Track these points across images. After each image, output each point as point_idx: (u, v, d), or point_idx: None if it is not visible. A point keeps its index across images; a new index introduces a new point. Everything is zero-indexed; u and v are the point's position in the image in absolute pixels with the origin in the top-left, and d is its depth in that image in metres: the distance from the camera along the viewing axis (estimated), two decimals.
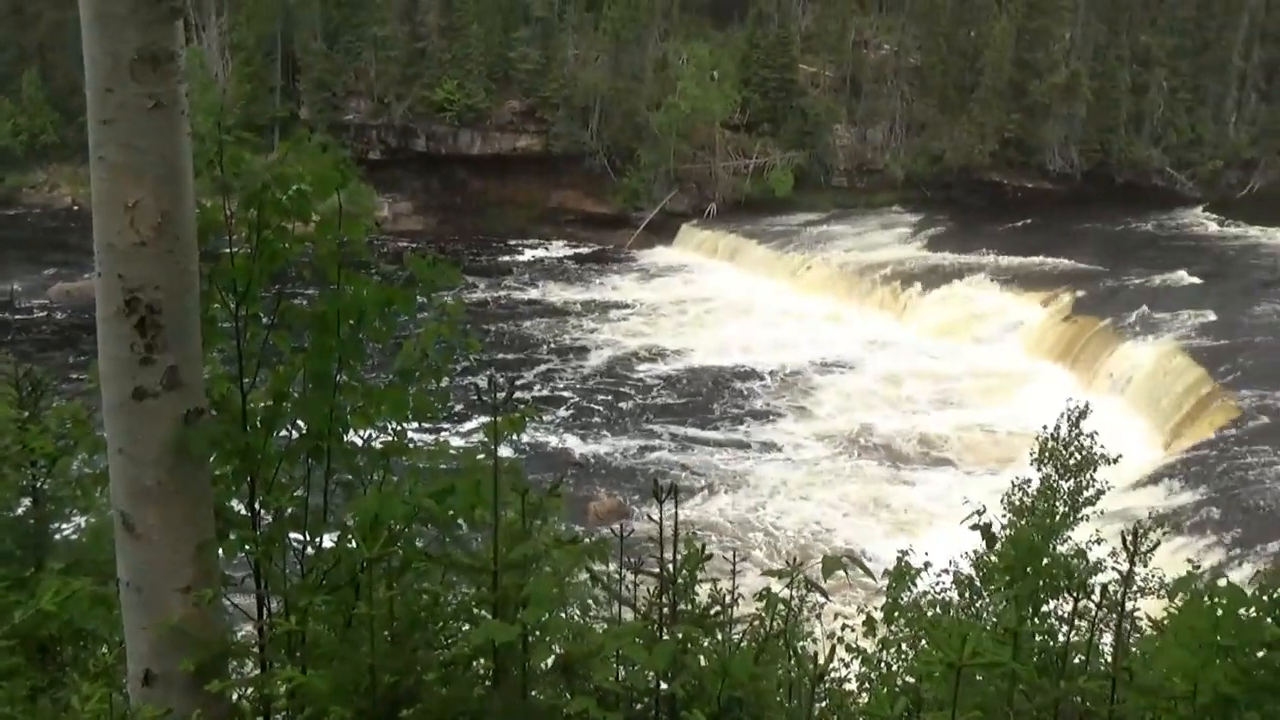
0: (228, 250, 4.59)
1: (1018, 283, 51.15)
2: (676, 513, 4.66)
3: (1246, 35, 72.38)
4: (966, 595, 9.12)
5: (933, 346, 47.56)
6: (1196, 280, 50.24)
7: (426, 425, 5.20)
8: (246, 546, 4.70)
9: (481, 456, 4.76)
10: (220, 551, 4.58)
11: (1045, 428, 14.12)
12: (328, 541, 4.91)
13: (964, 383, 43.59)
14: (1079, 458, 13.68)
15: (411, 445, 5.06)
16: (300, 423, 4.90)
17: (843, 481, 35.37)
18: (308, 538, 4.90)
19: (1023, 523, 10.48)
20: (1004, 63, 68.21)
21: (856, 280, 54.38)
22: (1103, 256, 55.23)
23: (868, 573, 4.90)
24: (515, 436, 4.95)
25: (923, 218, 65.39)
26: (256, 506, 4.79)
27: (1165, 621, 5.76)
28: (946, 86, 69.95)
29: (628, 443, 38.65)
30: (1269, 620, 4.32)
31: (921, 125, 70.88)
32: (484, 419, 4.52)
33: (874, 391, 43.10)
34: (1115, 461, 14.19)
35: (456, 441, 5.24)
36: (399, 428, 5.06)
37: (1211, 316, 44.28)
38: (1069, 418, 13.93)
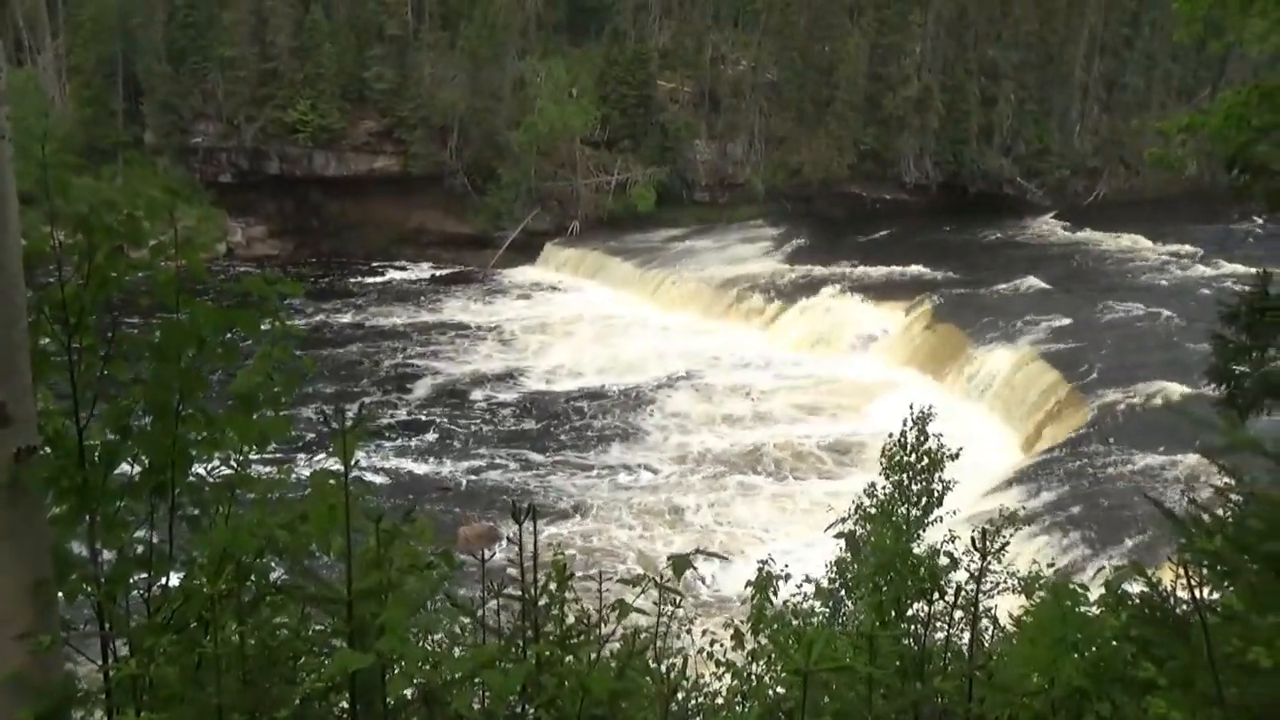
0: (57, 279, 4.43)
1: (879, 293, 52.42)
2: (536, 534, 4.65)
3: (1087, 49, 75.47)
4: (829, 604, 9.28)
5: (797, 359, 48.43)
6: (1048, 286, 52.11)
7: (272, 454, 5.10)
8: (88, 588, 4.54)
9: (333, 482, 4.68)
10: (60, 595, 4.42)
11: (891, 435, 14.44)
12: (175, 580, 4.76)
13: (829, 394, 44.46)
14: (926, 460, 14.03)
15: (258, 476, 4.95)
16: (143, 457, 4.75)
17: (709, 496, 35.68)
18: (153, 576, 4.75)
19: (876, 529, 10.70)
20: (858, 77, 69.92)
21: (720, 295, 55.09)
22: (960, 265, 56.96)
23: (721, 558, 4.95)
24: (378, 463, 4.88)
25: (784, 230, 66.55)
26: (97, 546, 4.63)
27: (1022, 619, 5.95)
28: (803, 101, 71.37)
29: (497, 465, 38.43)
30: (1114, 616, 4.50)
31: (780, 139, 72.17)
32: (333, 446, 4.44)
33: (739, 406, 43.66)
34: (956, 457, 14.57)
35: (305, 471, 5.15)
36: (244, 458, 4.94)
37: (1064, 321, 45.90)
38: (914, 421, 14.28)
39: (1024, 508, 27.28)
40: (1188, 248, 58.92)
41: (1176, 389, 35.95)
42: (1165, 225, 64.57)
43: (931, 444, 14.35)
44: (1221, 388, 8.58)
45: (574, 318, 55.64)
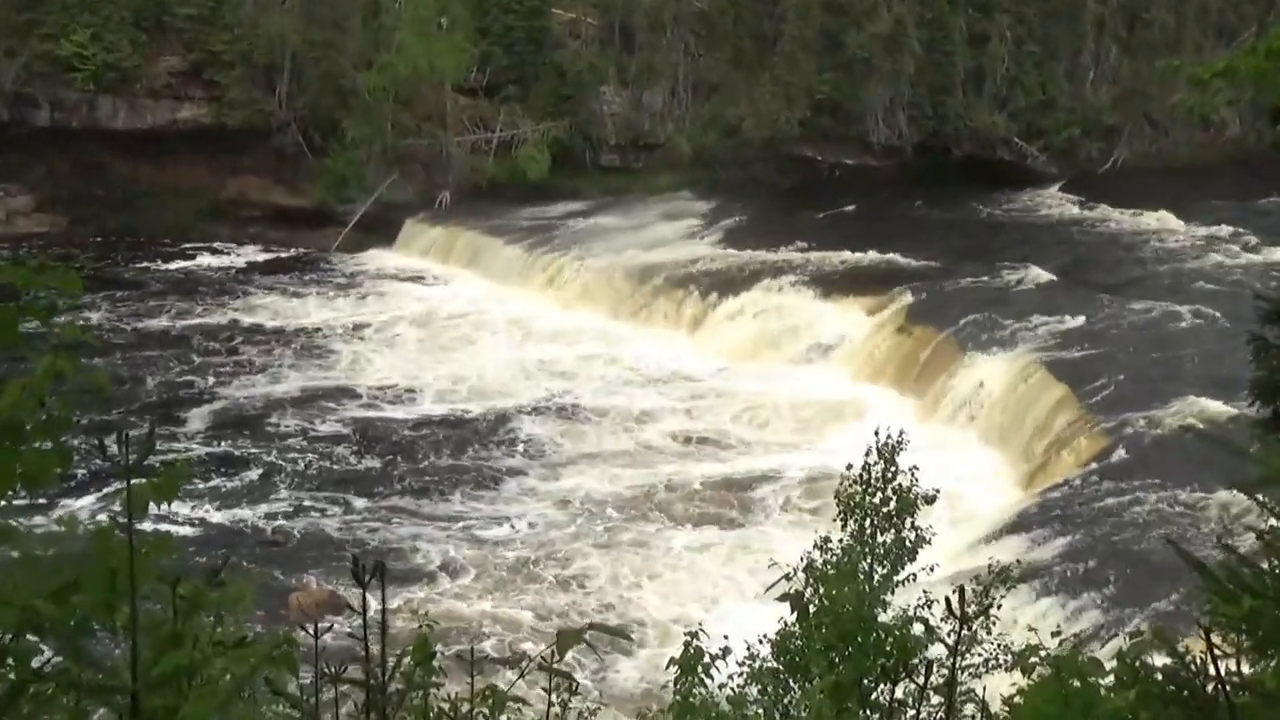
0: None
1: (838, 286, 53.04)
2: (386, 600, 4.63)
3: None
4: (772, 688, 9.34)
5: (732, 372, 48.85)
6: (1054, 277, 53.10)
7: (41, 498, 5.03)
8: None
9: (119, 535, 4.62)
10: None
11: (850, 468, 14.57)
12: None
13: (773, 418, 44.85)
14: (895, 501, 14.19)
15: (19, 527, 4.86)
16: None
17: (612, 551, 35.75)
18: None
19: (832, 591, 10.81)
20: (812, 8, 70.58)
21: (633, 289, 55.43)
22: (941, 250, 57.80)
23: (623, 636, 4.99)
24: (181, 510, 4.83)
25: (717, 205, 67.03)
26: None
27: (1015, 702, 6.05)
28: (741, 37, 71.88)
29: (338, 512, 38.15)
30: (1124, 694, 4.60)
31: (712, 87, 72.54)
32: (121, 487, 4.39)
33: (655, 434, 43.89)
34: (933, 499, 14.78)
35: (83, 517, 5.08)
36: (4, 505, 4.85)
37: (1074, 322, 46.76)
38: (880, 450, 14.43)
39: (1021, 562, 27.72)
40: (1228, 228, 60.38)
41: (1215, 408, 36.76)
42: (1201, 199, 66.03)
43: (903, 480, 14.53)
44: (1265, 406, 8.78)
45: (442, 318, 55.52)
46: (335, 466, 41.54)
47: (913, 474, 14.53)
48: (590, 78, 71.06)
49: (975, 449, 40.65)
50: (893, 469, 14.38)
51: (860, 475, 14.45)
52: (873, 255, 57.25)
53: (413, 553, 35.53)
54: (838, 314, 50.89)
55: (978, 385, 43.34)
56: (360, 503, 38.84)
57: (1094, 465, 35.88)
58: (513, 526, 37.39)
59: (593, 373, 49.33)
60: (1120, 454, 36.08)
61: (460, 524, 37.63)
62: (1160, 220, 63.28)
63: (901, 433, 14.94)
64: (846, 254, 57.44)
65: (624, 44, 72.89)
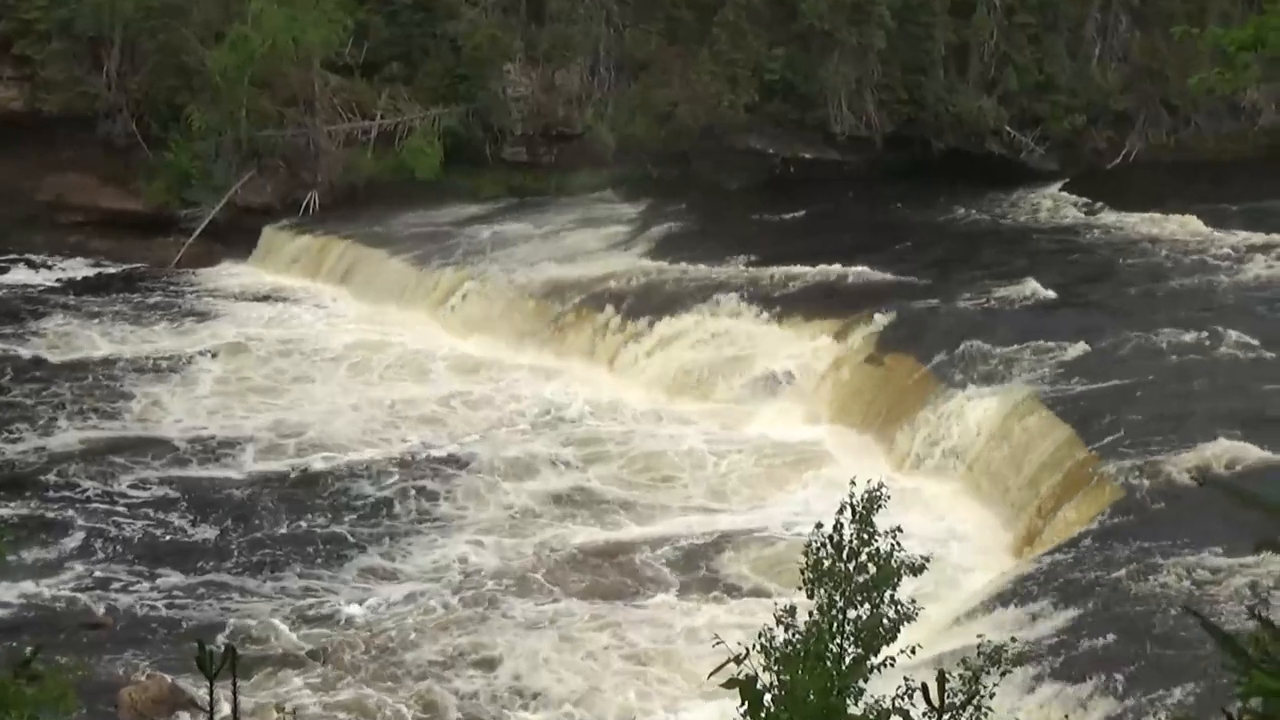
0: None
1: (794, 307, 53.30)
2: (238, 694, 4.62)
3: None
4: None
5: (662, 412, 48.93)
6: (1055, 294, 53.39)
7: None
8: None
9: None
10: None
11: (818, 529, 14.61)
12: None
13: (712, 469, 44.87)
14: (873, 569, 14.25)
15: None
16: None
17: (510, 631, 35.68)
18: None
19: (794, 676, 10.82)
20: None
21: (544, 311, 55.52)
22: (919, 263, 58.20)
23: None
24: None
25: (647, 208, 67.20)
26: None
27: None
28: (676, 5, 72.00)
29: (178, 586, 37.87)
30: None
31: (640, 65, 72.64)
32: None
33: (568, 489, 43.85)
34: (921, 569, 14.85)
35: None
36: None
37: (1079, 349, 47.01)
38: (854, 507, 14.49)
39: (1016, 640, 27.85)
40: (1263, 235, 60.79)
41: (1248, 453, 37.16)
42: (1230, 200, 66.74)
43: (881, 544, 14.58)
44: None
45: (311, 346, 55.23)
46: (156, 534, 41.08)
47: (894, 537, 14.58)
48: (491, 53, 70.89)
49: (961, 504, 40.90)
50: (869, 530, 14.42)
51: (831, 537, 14.48)
52: (836, 269, 57.36)
53: (272, 633, 35.32)
54: (793, 341, 51.09)
55: (963, 427, 43.60)
56: (189, 578, 38.50)
57: (1103, 522, 36.11)
58: (374, 604, 37.24)
59: (487, 416, 49.03)
60: (1134, 509, 36.34)
61: (334, 595, 37.49)
62: (1182, 225, 63.54)
63: (881, 486, 14.99)
64: (804, 268, 57.46)
65: (532, 12, 72.95)
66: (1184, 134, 77.95)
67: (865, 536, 14.37)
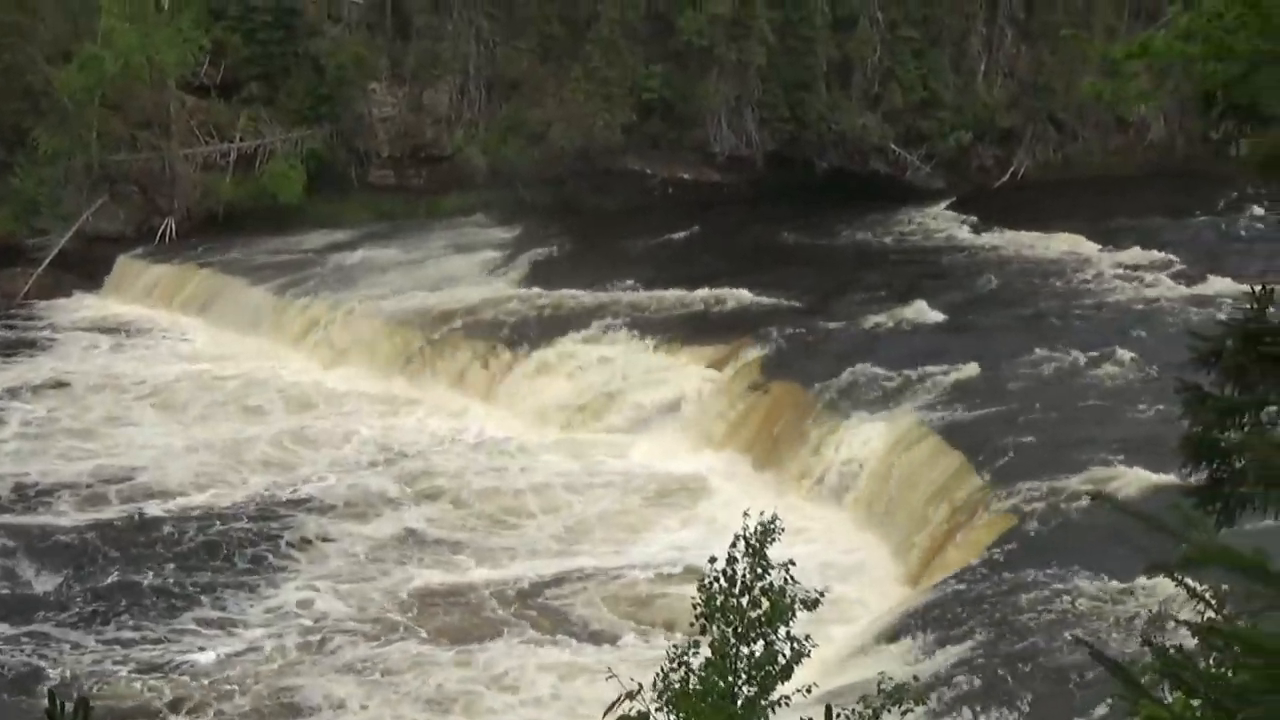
0: None
1: (675, 334, 53.55)
2: None
3: None
4: None
5: (537, 444, 48.81)
6: (943, 317, 54.05)
7: None
8: None
9: None
10: None
11: (712, 563, 14.63)
12: None
13: (592, 503, 44.82)
14: (767, 604, 14.29)
15: None
16: None
17: (341, 678, 35.50)
18: None
19: (687, 714, 10.81)
20: None
21: (413, 340, 55.34)
22: (803, 286, 58.61)
23: None
24: None
25: (521, 233, 67.22)
26: None
27: None
28: (548, 21, 72.13)
29: (22, 639, 37.37)
30: None
31: (512, 84, 72.78)
32: None
33: (431, 530, 43.46)
34: (815, 605, 14.91)
35: None
36: None
37: (969, 372, 47.50)
38: (748, 540, 14.53)
39: (915, 675, 27.96)
40: (1153, 253, 61.97)
41: (1140, 476, 37.62)
42: (1119, 218, 67.86)
43: (776, 578, 14.62)
44: (1199, 470, 8.94)
45: (163, 380, 54.63)
46: (26, 581, 40.41)
47: (788, 571, 14.62)
48: (355, 73, 70.90)
49: (850, 533, 41.14)
50: (763, 564, 14.46)
51: (723, 571, 14.51)
52: (718, 294, 57.75)
53: (104, 690, 34.77)
54: (675, 369, 51.25)
55: (852, 455, 43.87)
56: (57, 625, 37.91)
57: (995, 550, 36.39)
58: (215, 654, 36.78)
59: (345, 453, 48.53)
60: (1026, 536, 36.66)
61: (150, 652, 36.85)
62: (1070, 244, 64.63)
63: (775, 519, 15.03)
64: (685, 293, 57.85)
65: (398, 29, 72.98)
66: (1071, 150, 79.09)
67: (759, 570, 14.42)
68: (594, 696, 31.55)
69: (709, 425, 48.43)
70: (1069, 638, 30.75)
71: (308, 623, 38.30)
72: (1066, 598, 33.06)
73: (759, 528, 14.58)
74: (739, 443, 47.28)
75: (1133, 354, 47.97)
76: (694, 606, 14.61)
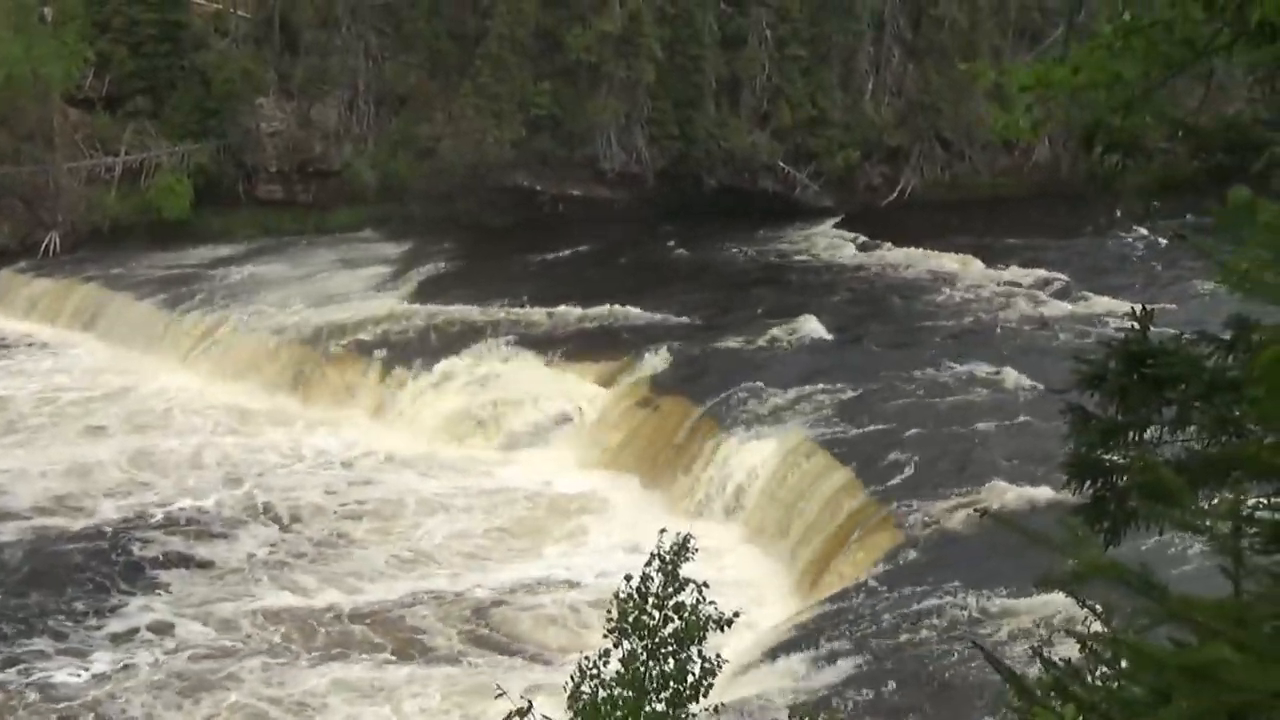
0: None
1: (564, 350, 53.72)
2: None
3: None
4: None
5: (424, 461, 48.75)
6: (831, 335, 54.43)
7: None
8: None
9: None
10: None
11: (628, 580, 14.75)
12: None
13: (483, 519, 44.76)
14: (678, 622, 14.41)
15: None
16: None
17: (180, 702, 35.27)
18: None
19: None
20: None
21: (300, 356, 55.15)
22: (693, 302, 58.95)
23: None
24: None
25: (410, 249, 67.13)
26: None
27: None
28: (438, 36, 72.03)
29: None
30: None
31: (401, 99, 72.58)
32: None
33: (312, 548, 43.15)
34: (728, 625, 15.06)
35: None
36: None
37: (858, 389, 47.87)
38: (661, 557, 14.66)
39: (806, 689, 28.30)
40: (1039, 272, 62.72)
41: (1027, 493, 38.14)
42: (1006, 236, 68.65)
43: (686, 597, 14.76)
44: (1084, 488, 9.19)
45: (45, 396, 53.99)
46: None
47: (700, 591, 14.77)
48: (243, 87, 70.44)
49: (740, 549, 41.30)
50: (675, 584, 14.59)
51: (638, 587, 14.65)
52: (607, 310, 57.96)
53: None
54: (564, 385, 51.38)
55: (741, 471, 44.06)
56: None
57: (885, 566, 36.83)
58: (62, 678, 36.32)
59: (226, 471, 47.94)
60: (916, 551, 37.13)
61: (70, 671, 36.50)
62: (962, 263, 65.13)
63: (687, 538, 15.19)
64: (574, 309, 57.99)
65: (286, 43, 72.51)
66: (959, 169, 79.60)
67: (672, 588, 14.56)
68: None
69: (598, 441, 48.54)
70: (959, 651, 31.17)
71: (162, 649, 37.60)
72: (956, 611, 33.53)
73: (676, 543, 14.75)
74: (629, 459, 47.37)
75: (1019, 372, 48.42)
76: (607, 620, 14.73)
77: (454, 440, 49.89)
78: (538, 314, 57.71)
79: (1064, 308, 58.24)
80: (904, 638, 33.05)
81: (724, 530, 42.31)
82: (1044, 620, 31.28)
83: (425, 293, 60.96)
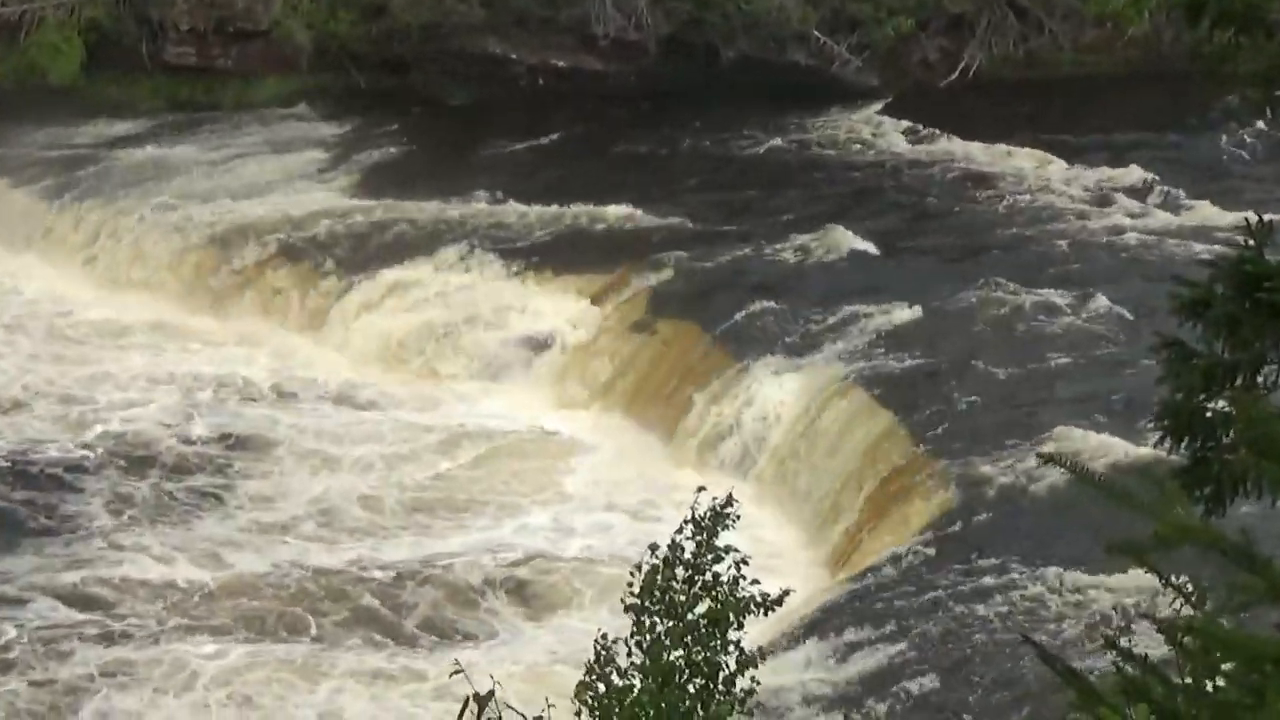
0: None
1: (543, 259, 53.54)
2: None
3: None
4: None
5: (369, 394, 48.78)
6: (872, 246, 54.02)
7: None
8: None
9: None
10: None
11: (654, 550, 14.71)
12: None
13: (431, 469, 44.74)
14: (710, 605, 14.38)
15: None
16: None
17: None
18: None
19: None
20: None
21: (218, 261, 55.13)
22: (704, 204, 58.70)
23: None
24: None
25: (354, 129, 67.03)
26: None
27: None
28: None
29: None
30: None
31: None
32: None
33: (203, 501, 43.25)
34: (773, 608, 15.04)
35: None
36: None
37: (905, 315, 47.48)
38: (697, 521, 14.60)
39: (830, 685, 28.35)
40: (1134, 173, 61.93)
41: (1112, 449, 38.00)
42: (1092, 129, 67.95)
43: (724, 571, 14.73)
44: (1182, 444, 9.05)
45: None
46: None
47: (739, 567, 14.74)
48: None
49: (755, 511, 41.25)
50: (710, 555, 14.56)
51: (666, 558, 14.59)
52: (597, 211, 57.48)
53: None
54: (543, 302, 51.24)
55: (760, 414, 44.08)
56: None
57: (934, 532, 36.69)
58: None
59: (114, 400, 47.97)
60: (971, 516, 36.94)
61: None
62: (1037, 161, 64.11)
63: (730, 498, 15.16)
64: (557, 209, 57.55)
65: None
66: (1036, 44, 78.81)
67: (704, 560, 14.51)
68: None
69: (582, 373, 48.56)
70: (1016, 639, 31.14)
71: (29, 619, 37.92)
72: (1016, 592, 33.43)
73: (712, 508, 14.69)
74: (617, 397, 47.36)
75: (1105, 297, 48.01)
76: (628, 593, 14.67)
77: (402, 368, 49.93)
78: (510, 213, 57.34)
79: (1162, 218, 57.51)
80: (951, 623, 33.03)
81: (738, 486, 42.22)
82: (1122, 602, 31.30)
83: (371, 185, 60.70)
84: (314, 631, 37.39)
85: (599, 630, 14.48)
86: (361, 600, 38.74)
